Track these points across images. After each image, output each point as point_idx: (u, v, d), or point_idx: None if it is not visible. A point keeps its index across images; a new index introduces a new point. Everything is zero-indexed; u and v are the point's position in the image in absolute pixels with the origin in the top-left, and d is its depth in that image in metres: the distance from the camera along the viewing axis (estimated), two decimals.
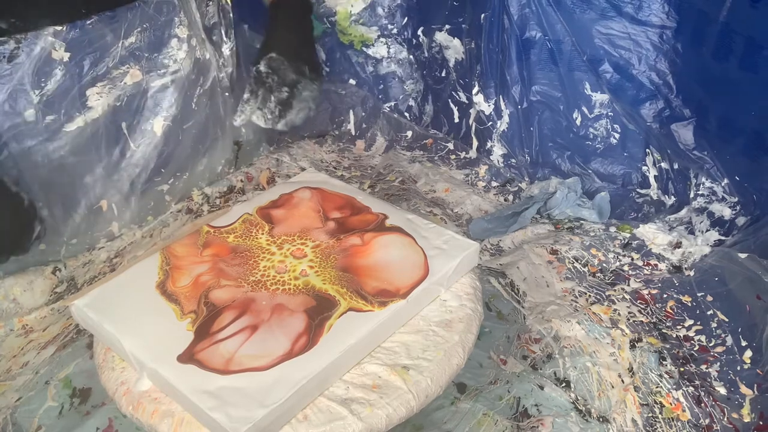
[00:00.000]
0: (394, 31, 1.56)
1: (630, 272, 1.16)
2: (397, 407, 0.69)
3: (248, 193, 1.42)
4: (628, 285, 1.13)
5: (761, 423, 0.87)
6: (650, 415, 0.90)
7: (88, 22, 1.05)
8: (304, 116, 1.01)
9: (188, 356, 0.71)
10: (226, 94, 1.38)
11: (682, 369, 0.97)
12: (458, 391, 0.93)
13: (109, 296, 0.80)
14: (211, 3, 1.30)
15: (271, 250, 0.87)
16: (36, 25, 1.00)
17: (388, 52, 1.58)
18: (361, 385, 0.71)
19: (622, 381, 0.94)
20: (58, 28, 1.02)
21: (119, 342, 0.73)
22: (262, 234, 0.90)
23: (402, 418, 0.70)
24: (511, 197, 1.40)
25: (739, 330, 0.98)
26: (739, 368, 0.95)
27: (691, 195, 1.20)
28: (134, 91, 1.17)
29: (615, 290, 1.11)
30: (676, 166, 1.22)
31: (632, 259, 1.18)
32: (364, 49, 1.59)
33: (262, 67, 0.98)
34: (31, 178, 1.08)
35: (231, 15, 1.36)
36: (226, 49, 1.36)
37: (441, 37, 1.47)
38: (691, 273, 1.12)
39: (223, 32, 1.35)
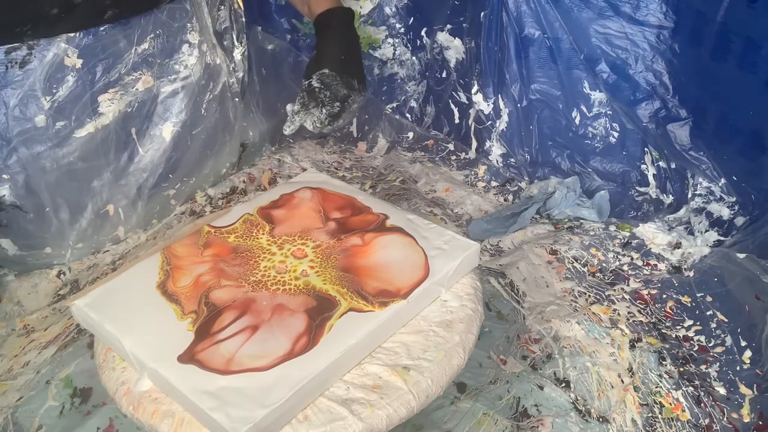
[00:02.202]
0: (402, 30, 1.56)
1: (630, 272, 1.16)
2: (397, 408, 0.69)
3: (250, 194, 1.42)
4: (628, 285, 1.13)
5: (761, 423, 0.87)
6: (650, 415, 0.91)
7: (102, 28, 1.05)
8: (348, 121, 1.04)
9: (189, 356, 0.71)
10: (236, 99, 1.37)
11: (681, 369, 0.97)
12: (458, 391, 0.93)
13: (109, 296, 0.80)
14: (222, 7, 1.30)
15: (272, 250, 0.87)
16: (50, 32, 0.99)
17: (394, 53, 1.59)
18: (362, 385, 0.71)
19: (622, 381, 0.95)
20: (71, 34, 1.02)
21: (120, 342, 0.74)
22: (263, 234, 0.91)
23: (402, 418, 0.70)
24: (510, 197, 1.40)
25: (739, 330, 0.98)
26: (738, 368, 0.95)
27: (689, 195, 1.20)
28: (145, 97, 1.17)
29: (615, 290, 1.11)
30: (673, 166, 1.22)
31: (632, 259, 1.19)
32: (371, 51, 1.59)
33: (314, 83, 1.01)
34: (39, 182, 1.08)
35: (243, 19, 1.36)
36: (238, 54, 1.36)
37: (442, 37, 1.47)
38: (691, 273, 1.12)
39: (234, 37, 1.34)
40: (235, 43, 1.35)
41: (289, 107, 1.02)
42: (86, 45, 1.04)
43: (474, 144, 1.51)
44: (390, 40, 1.58)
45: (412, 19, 1.54)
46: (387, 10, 1.54)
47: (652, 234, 1.21)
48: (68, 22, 1.00)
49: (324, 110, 1.00)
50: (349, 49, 1.08)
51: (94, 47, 1.05)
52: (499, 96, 1.40)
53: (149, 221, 1.29)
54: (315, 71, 1.03)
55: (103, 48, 1.06)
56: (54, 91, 1.03)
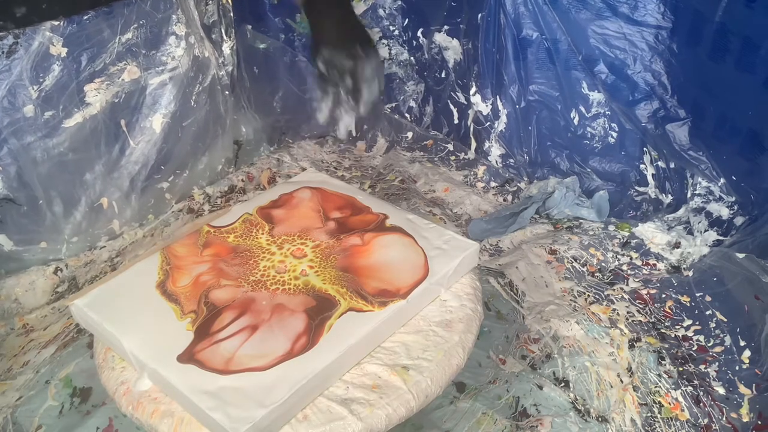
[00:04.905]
0: (396, 32, 1.56)
1: (629, 272, 1.16)
2: (396, 407, 0.70)
3: (249, 193, 1.42)
4: (627, 285, 1.13)
5: (760, 423, 0.87)
6: (649, 414, 0.91)
7: (86, 17, 1.06)
8: (377, 89, 1.00)
9: (188, 356, 0.71)
10: (227, 92, 1.38)
11: (680, 369, 0.97)
12: (457, 391, 0.93)
13: (109, 296, 0.80)
14: (210, 2, 1.31)
15: (271, 250, 0.87)
16: (38, 19, 1.00)
17: (390, 53, 1.59)
18: (361, 385, 0.72)
19: (621, 381, 0.95)
20: (56, 23, 1.03)
21: (119, 342, 0.74)
22: (263, 234, 0.91)
23: (402, 418, 0.70)
24: (510, 197, 1.41)
25: (738, 330, 0.98)
26: (737, 368, 0.95)
27: (689, 195, 1.20)
28: (132, 87, 1.18)
29: (614, 290, 1.12)
30: (672, 165, 1.22)
31: (631, 259, 1.19)
32: None
33: (320, 66, 0.99)
34: (31, 174, 1.08)
35: (231, 14, 1.37)
36: (227, 48, 1.37)
37: (440, 38, 1.47)
38: (690, 273, 1.12)
39: (222, 31, 1.35)
40: (224, 37, 1.36)
41: (317, 97, 1.01)
42: (71, 33, 1.05)
43: (473, 144, 1.51)
44: (384, 41, 1.58)
45: (407, 20, 1.54)
46: (381, 11, 1.55)
47: (652, 234, 1.21)
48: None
49: (341, 90, 0.98)
50: (341, 19, 1.06)
51: (78, 35, 1.06)
52: (498, 97, 1.40)
53: (144, 215, 1.29)
54: (316, 54, 1.02)
55: (87, 37, 1.07)
56: (41, 80, 1.04)
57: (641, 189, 1.30)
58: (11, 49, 1.00)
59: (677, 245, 1.18)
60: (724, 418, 0.89)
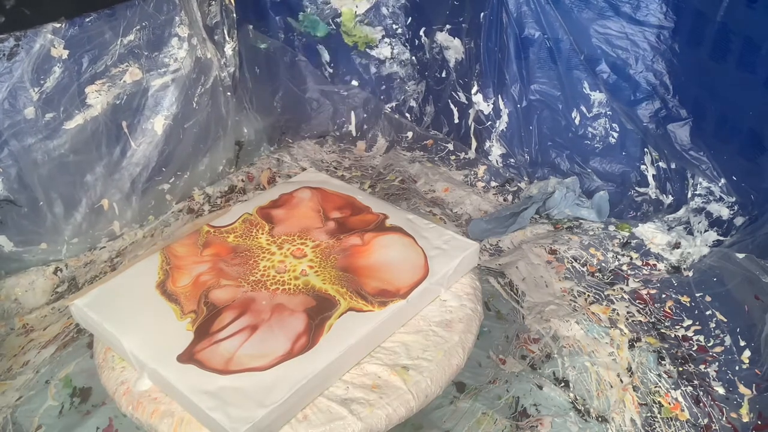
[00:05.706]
0: (399, 30, 1.56)
1: (629, 272, 1.16)
2: (396, 407, 0.70)
3: (249, 193, 1.42)
4: (627, 285, 1.13)
5: (759, 423, 0.87)
6: (649, 414, 0.91)
7: (87, 19, 1.06)
8: None
9: (188, 356, 0.71)
10: (229, 93, 1.38)
11: (680, 369, 0.97)
12: (457, 391, 0.93)
13: (109, 296, 0.80)
14: (213, 2, 1.31)
15: (271, 249, 0.87)
16: (39, 21, 1.01)
17: (392, 53, 1.59)
18: (361, 385, 0.71)
19: (621, 381, 0.95)
20: (57, 25, 1.03)
21: (119, 342, 0.74)
22: (262, 234, 0.91)
23: (402, 418, 0.70)
24: (510, 197, 1.40)
25: (738, 330, 0.98)
26: (737, 368, 0.95)
27: (689, 195, 1.20)
28: (134, 89, 1.18)
29: (614, 290, 1.11)
30: (673, 166, 1.22)
31: (631, 259, 1.19)
32: (368, 50, 1.59)
33: None
34: (32, 176, 1.09)
35: (234, 15, 1.37)
36: (229, 49, 1.37)
37: (442, 37, 1.47)
38: (690, 273, 1.12)
39: (225, 32, 1.36)
40: (227, 38, 1.37)
41: None
42: (72, 35, 1.06)
43: (474, 144, 1.51)
44: (387, 39, 1.58)
45: (410, 19, 1.54)
46: (384, 10, 1.54)
47: (652, 234, 1.21)
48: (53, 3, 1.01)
49: None
50: None
51: (80, 38, 1.06)
52: (499, 96, 1.40)
53: (145, 216, 1.29)
54: None
55: (89, 39, 1.08)
56: (41, 82, 1.05)
57: (642, 189, 1.30)
58: (12, 51, 1.00)
59: (677, 245, 1.18)
60: (724, 418, 0.89)
